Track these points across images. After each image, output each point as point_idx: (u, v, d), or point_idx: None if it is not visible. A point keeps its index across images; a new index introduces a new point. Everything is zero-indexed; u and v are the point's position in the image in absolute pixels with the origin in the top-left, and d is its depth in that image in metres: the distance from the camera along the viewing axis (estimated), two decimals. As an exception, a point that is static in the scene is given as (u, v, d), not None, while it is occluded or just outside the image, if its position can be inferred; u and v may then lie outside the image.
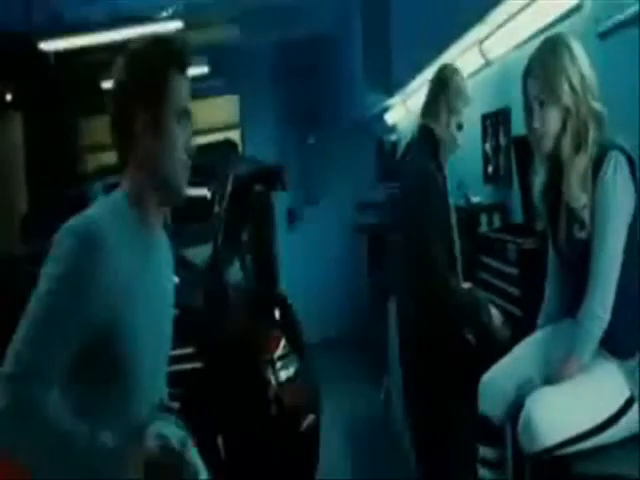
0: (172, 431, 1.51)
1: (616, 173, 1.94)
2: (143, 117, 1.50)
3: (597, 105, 2.01)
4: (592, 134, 1.99)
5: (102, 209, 1.50)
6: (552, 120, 2.01)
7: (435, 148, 3.07)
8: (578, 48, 2.04)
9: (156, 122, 1.51)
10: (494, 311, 2.86)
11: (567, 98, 1.99)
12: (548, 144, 2.04)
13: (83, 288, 1.39)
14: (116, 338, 1.45)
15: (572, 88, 1.99)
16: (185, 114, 1.55)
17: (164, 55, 1.53)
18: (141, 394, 1.54)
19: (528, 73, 2.07)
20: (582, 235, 1.99)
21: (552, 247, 2.17)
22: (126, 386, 1.50)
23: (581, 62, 2.02)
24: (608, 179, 1.94)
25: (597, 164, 1.96)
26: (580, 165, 1.97)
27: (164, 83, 1.51)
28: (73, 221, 1.44)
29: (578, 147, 1.99)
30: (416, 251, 2.98)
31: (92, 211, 1.49)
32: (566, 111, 2.00)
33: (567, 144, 2.00)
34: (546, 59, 2.03)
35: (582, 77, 2.00)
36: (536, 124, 2.04)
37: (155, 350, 1.57)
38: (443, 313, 2.96)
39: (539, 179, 2.12)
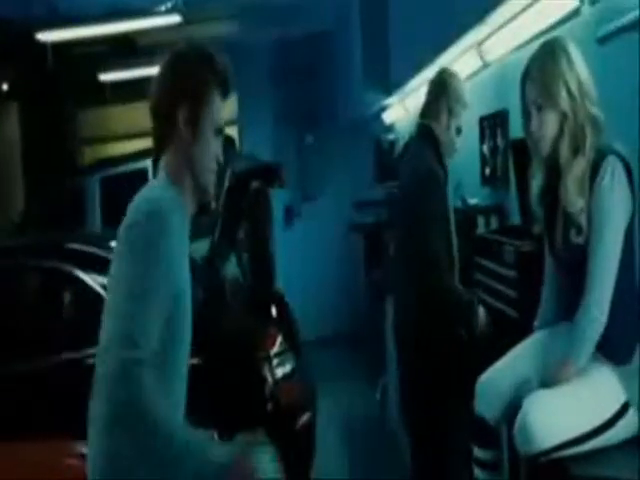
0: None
1: (613, 179, 1.95)
2: (185, 117, 1.62)
3: (595, 110, 2.02)
4: (589, 139, 2.00)
5: (153, 189, 1.61)
6: (549, 124, 2.03)
7: (435, 146, 3.09)
8: (576, 53, 2.06)
9: (195, 126, 1.63)
10: (481, 310, 2.90)
11: (564, 103, 2.01)
12: (546, 148, 2.06)
13: (164, 259, 1.50)
14: (177, 312, 1.55)
15: (569, 93, 2.01)
16: (220, 132, 1.68)
17: (211, 74, 1.65)
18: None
19: (526, 76, 2.08)
20: (579, 240, 2.00)
21: (549, 251, 2.18)
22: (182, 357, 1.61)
23: (579, 67, 2.03)
24: (605, 185, 1.95)
25: (594, 169, 1.97)
26: (577, 170, 1.99)
27: (207, 98, 1.64)
28: (143, 205, 1.54)
29: (576, 151, 2.01)
30: (416, 247, 2.99)
31: (149, 193, 1.60)
32: (563, 116, 2.01)
33: (565, 148, 2.02)
34: (544, 63, 2.04)
35: (580, 82, 2.02)
36: (534, 128, 2.05)
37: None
38: (441, 310, 2.98)
39: (537, 182, 2.13)
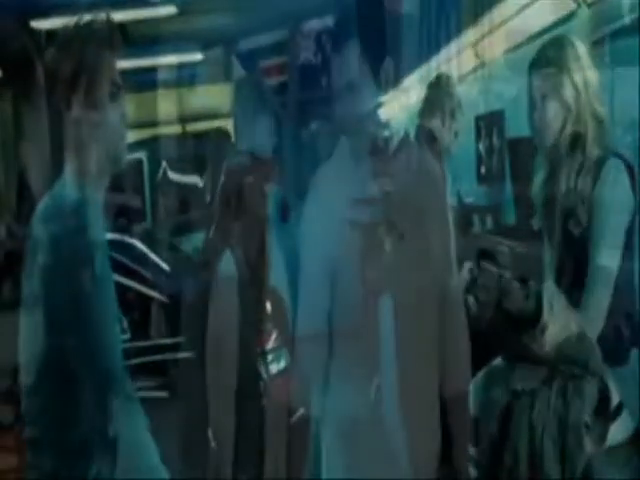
0: None
1: (616, 180, 1.97)
2: (79, 102, 1.58)
3: (600, 110, 2.04)
4: (591, 134, 2.01)
5: (63, 193, 1.59)
6: (553, 114, 2.04)
7: (434, 147, 3.10)
8: (584, 51, 2.08)
9: (92, 104, 1.58)
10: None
11: (568, 94, 2.02)
12: (549, 138, 2.06)
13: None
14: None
15: (574, 85, 2.02)
16: (116, 88, 1.62)
17: (88, 40, 1.60)
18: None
19: (533, 66, 2.10)
20: (577, 234, 2.01)
21: (548, 245, 2.19)
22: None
23: (585, 63, 2.05)
24: (607, 186, 1.97)
25: (597, 170, 1.99)
26: (575, 164, 2.00)
27: (93, 67, 1.58)
28: (50, 210, 1.57)
29: (575, 146, 2.02)
30: (413, 251, 3.00)
31: (60, 194, 1.59)
32: (567, 108, 2.03)
33: (566, 139, 2.03)
34: (552, 54, 2.06)
35: (585, 78, 2.03)
36: (538, 117, 2.07)
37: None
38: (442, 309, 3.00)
39: (539, 175, 2.14)
